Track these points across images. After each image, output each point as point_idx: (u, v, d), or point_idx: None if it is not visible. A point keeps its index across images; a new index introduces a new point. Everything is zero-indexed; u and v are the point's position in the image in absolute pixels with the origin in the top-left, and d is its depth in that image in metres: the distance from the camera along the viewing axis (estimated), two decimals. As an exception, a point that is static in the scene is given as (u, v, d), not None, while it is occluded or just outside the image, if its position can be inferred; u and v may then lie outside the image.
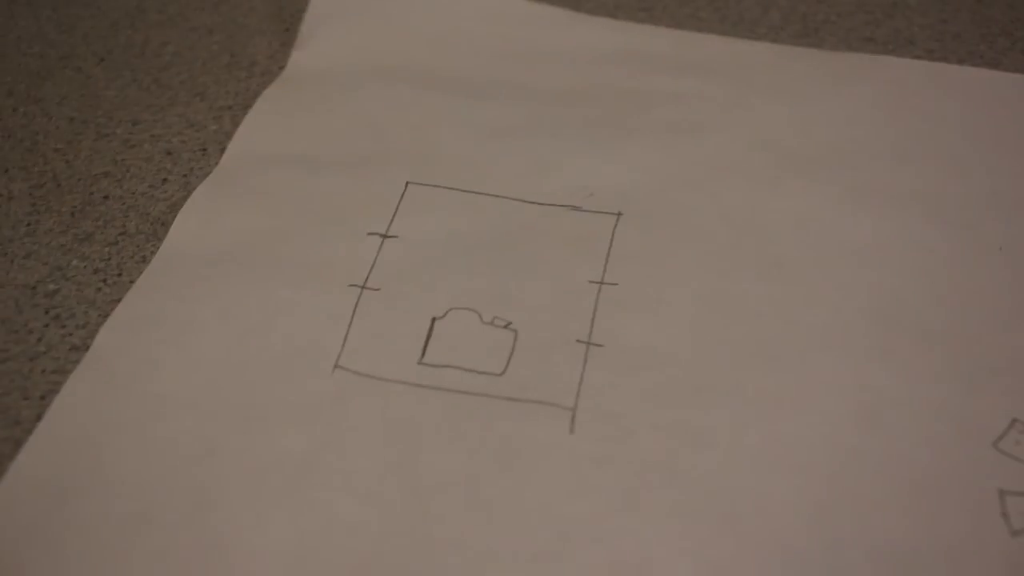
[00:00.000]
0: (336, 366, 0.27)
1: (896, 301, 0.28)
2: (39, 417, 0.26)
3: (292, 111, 0.35)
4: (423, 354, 0.27)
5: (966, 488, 0.24)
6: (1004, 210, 0.31)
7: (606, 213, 0.30)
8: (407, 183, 0.32)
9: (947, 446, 0.25)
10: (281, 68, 0.38)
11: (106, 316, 0.28)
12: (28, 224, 0.32)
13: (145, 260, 0.31)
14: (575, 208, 0.31)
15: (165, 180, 0.34)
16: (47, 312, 0.29)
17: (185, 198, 0.32)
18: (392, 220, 0.30)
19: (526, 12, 0.38)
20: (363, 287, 0.29)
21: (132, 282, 0.29)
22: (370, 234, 0.30)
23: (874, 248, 0.29)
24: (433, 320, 0.28)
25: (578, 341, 0.27)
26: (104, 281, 0.30)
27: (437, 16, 0.38)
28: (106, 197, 0.33)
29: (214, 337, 0.27)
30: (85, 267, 0.31)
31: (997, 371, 0.26)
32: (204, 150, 0.35)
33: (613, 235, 0.30)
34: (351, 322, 0.28)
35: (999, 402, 0.26)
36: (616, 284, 0.28)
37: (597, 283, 0.28)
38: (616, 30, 0.38)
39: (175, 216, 0.31)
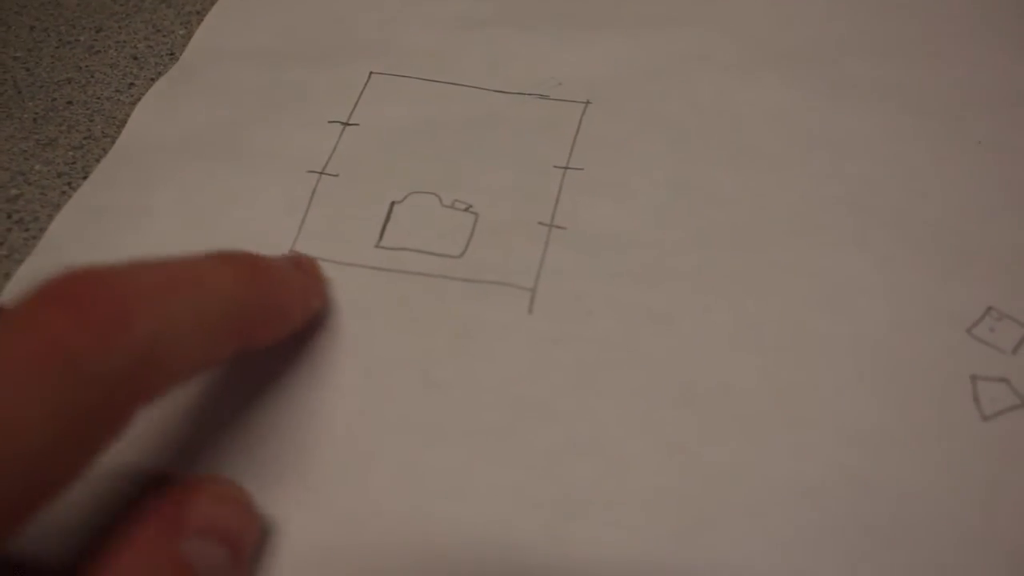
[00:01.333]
0: (291, 250, 0.27)
1: (873, 191, 0.28)
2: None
3: (255, 6, 0.35)
4: (380, 237, 0.27)
5: (938, 373, 0.24)
6: (984, 105, 0.30)
7: (574, 101, 0.30)
8: (370, 73, 0.31)
9: (920, 332, 0.25)
10: (250, -27, 0.37)
11: (69, 216, 0.29)
12: (-12, 131, 0.32)
13: (110, 162, 0.31)
14: (542, 96, 0.30)
15: (132, 84, 0.33)
16: (9, 216, 0.29)
17: (152, 100, 0.32)
18: (354, 108, 0.30)
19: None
20: (321, 173, 0.28)
21: (96, 183, 0.30)
22: (331, 122, 0.30)
23: (851, 139, 0.29)
24: (392, 204, 0.27)
25: (540, 223, 0.27)
26: (69, 184, 0.30)
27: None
28: (70, 103, 0.33)
29: (169, 224, 0.27)
30: (48, 171, 0.31)
31: (973, 260, 0.26)
32: (172, 55, 0.34)
33: (580, 122, 0.29)
34: (308, 207, 0.28)
35: (975, 290, 0.26)
36: (582, 169, 0.28)
37: (562, 168, 0.28)
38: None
39: (141, 117, 0.31)
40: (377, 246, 0.27)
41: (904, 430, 0.23)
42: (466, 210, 0.27)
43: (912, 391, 0.24)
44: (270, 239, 0.27)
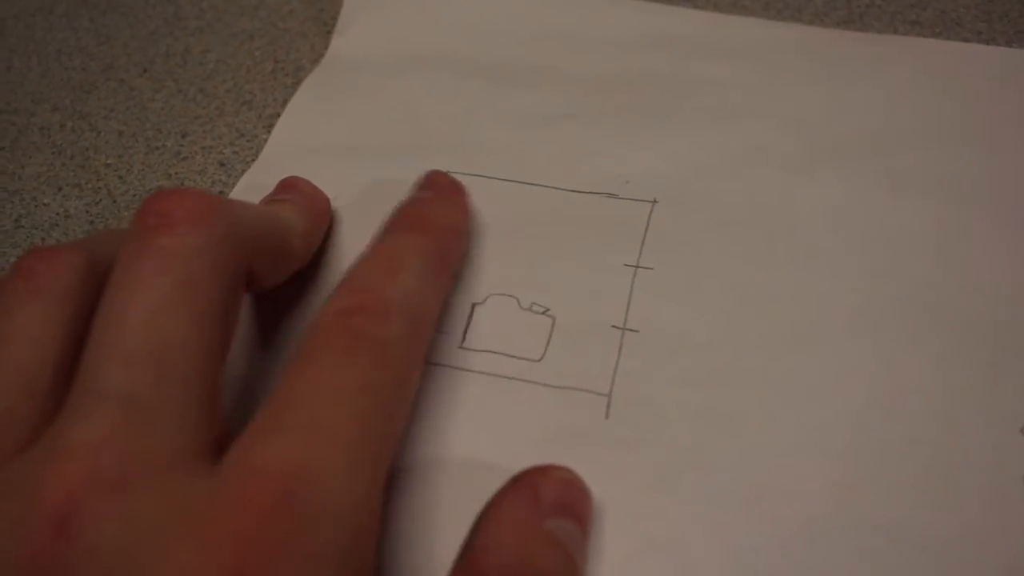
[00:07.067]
0: None
1: (928, 288, 0.30)
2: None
3: (332, 100, 0.39)
4: (463, 338, 0.30)
5: (991, 474, 0.26)
6: None
7: (641, 200, 0.33)
8: (446, 172, 0.35)
9: (973, 432, 0.27)
10: (326, 71, 0.41)
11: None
12: (88, 243, 0.36)
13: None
14: (611, 195, 0.34)
15: (221, 192, 0.37)
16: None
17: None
18: None
19: (563, -3, 0.41)
20: None
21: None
22: None
23: (907, 235, 0.31)
24: (473, 305, 0.31)
25: (613, 327, 0.30)
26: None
27: (474, 2, 0.42)
28: (163, 213, 0.37)
29: (259, 324, 0.31)
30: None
31: None
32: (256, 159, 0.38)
33: (648, 221, 0.33)
34: None
35: None
36: (651, 268, 0.31)
37: (632, 267, 0.31)
38: (654, 13, 0.40)
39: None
40: (460, 347, 0.30)
41: (960, 532, 0.25)
42: (544, 313, 0.31)
43: (967, 492, 0.26)
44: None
